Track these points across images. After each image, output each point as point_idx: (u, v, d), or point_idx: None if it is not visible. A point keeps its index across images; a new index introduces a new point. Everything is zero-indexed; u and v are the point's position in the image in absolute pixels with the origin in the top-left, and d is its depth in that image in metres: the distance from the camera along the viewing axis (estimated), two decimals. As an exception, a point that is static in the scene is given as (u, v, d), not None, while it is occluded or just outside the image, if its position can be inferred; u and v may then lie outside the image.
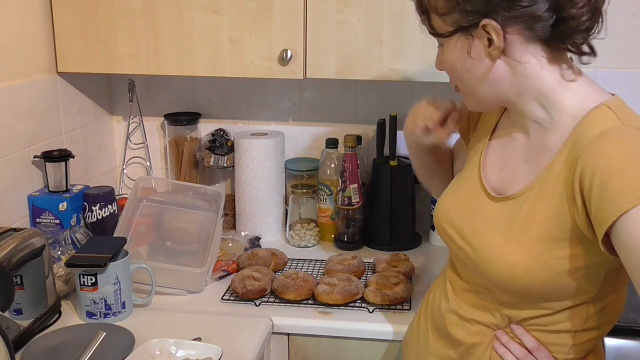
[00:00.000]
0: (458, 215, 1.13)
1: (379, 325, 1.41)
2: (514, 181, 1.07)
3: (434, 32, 1.06)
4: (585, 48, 1.01)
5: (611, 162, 0.90)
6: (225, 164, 1.92)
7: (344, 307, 1.46)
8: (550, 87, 1.01)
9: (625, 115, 0.96)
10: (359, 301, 1.48)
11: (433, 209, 1.68)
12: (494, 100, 1.07)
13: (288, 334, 1.45)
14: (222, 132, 1.94)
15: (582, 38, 0.99)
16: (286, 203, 1.91)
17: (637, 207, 0.85)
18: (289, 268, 1.68)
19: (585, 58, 1.02)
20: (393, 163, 1.78)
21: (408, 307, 1.46)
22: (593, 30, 0.99)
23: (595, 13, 0.98)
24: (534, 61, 1.00)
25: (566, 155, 0.98)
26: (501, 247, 1.02)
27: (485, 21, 0.97)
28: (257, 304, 1.48)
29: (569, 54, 1.03)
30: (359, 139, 1.83)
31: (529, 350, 1.07)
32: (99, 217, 1.70)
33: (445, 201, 1.18)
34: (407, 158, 1.87)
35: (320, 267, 1.68)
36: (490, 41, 0.99)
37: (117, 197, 1.77)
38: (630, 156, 0.89)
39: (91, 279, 1.36)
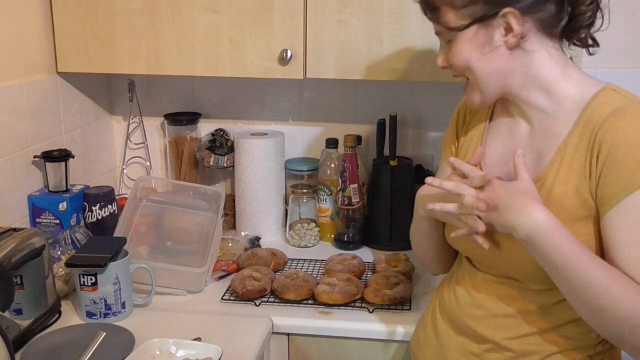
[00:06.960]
0: None
1: (379, 325, 1.41)
2: None
3: (447, 27, 1.06)
4: (589, 40, 1.09)
5: (627, 138, 0.96)
6: (225, 164, 1.92)
7: (344, 307, 1.46)
8: (555, 76, 1.06)
9: (629, 95, 1.04)
10: (359, 301, 1.47)
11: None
12: (499, 91, 1.09)
13: (288, 334, 1.45)
14: (222, 132, 1.94)
15: (585, 32, 1.07)
16: (286, 203, 1.91)
17: None
18: (289, 268, 1.68)
19: (591, 49, 1.09)
20: (393, 163, 1.78)
21: (408, 307, 1.46)
22: (594, 25, 1.07)
23: (598, 9, 1.06)
24: (543, 52, 1.05)
25: (578, 136, 1.02)
26: None
27: (506, 9, 1.00)
28: (257, 304, 1.48)
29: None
30: (359, 139, 1.83)
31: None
32: (99, 217, 1.70)
33: None
34: (407, 158, 1.87)
35: (320, 267, 1.68)
36: (507, 31, 1.02)
37: (117, 197, 1.77)
38: None
39: (91, 279, 1.36)
